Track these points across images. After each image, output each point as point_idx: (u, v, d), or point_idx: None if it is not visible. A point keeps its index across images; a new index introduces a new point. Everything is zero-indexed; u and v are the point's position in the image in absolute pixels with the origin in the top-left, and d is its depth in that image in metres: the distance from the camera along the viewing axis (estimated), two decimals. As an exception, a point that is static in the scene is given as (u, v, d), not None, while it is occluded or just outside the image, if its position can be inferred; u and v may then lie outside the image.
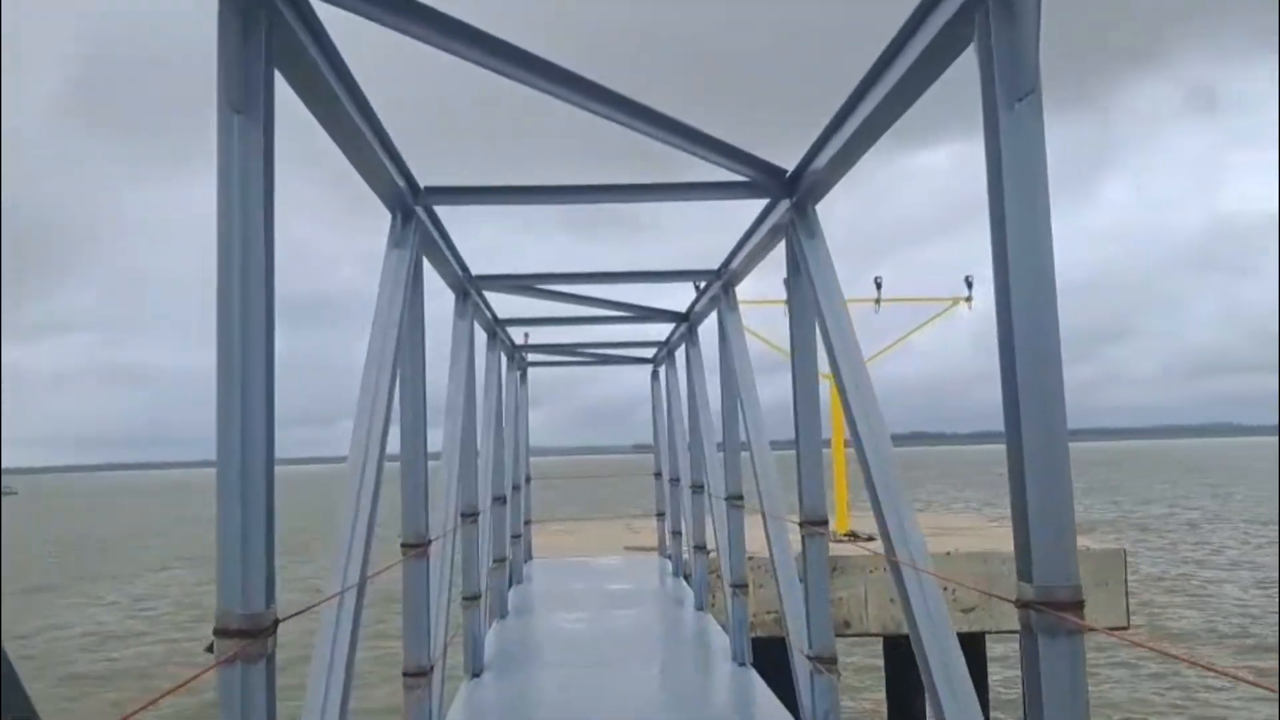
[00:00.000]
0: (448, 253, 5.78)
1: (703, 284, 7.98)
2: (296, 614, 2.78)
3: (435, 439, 6.35)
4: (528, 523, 13.49)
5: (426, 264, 6.05)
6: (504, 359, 10.42)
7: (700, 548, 9.71)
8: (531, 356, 13.08)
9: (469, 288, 6.92)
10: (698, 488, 9.60)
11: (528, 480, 13.61)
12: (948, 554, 12.54)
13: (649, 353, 12.81)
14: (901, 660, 13.40)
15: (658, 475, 13.66)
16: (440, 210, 5.39)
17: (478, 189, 4.90)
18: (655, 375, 13.43)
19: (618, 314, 8.84)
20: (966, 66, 2.84)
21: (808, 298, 4.63)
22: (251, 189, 2.59)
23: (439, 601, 5.47)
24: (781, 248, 5.45)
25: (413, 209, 4.70)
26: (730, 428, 7.38)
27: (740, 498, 7.38)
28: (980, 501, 55.97)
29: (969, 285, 16.38)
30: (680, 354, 10.03)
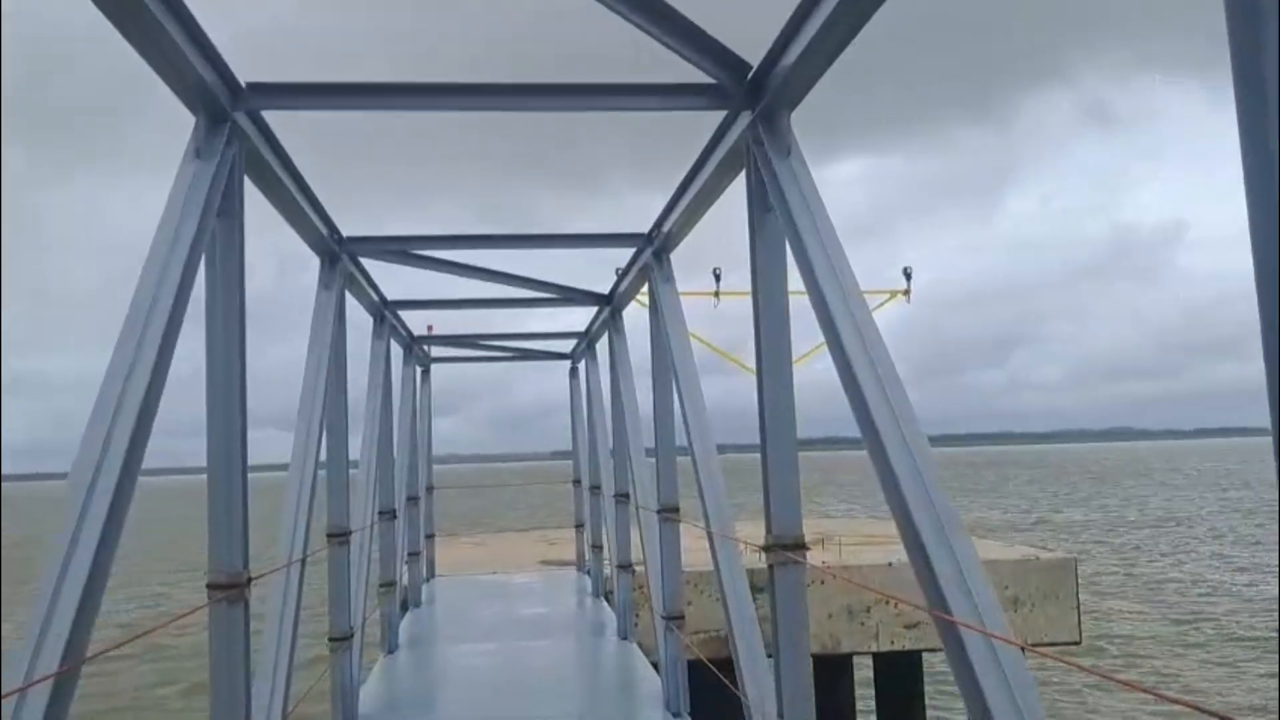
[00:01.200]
0: (297, 194, 4.35)
1: (628, 258, 6.68)
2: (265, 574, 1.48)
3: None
4: (430, 537, 12.01)
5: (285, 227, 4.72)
6: (396, 350, 8.96)
7: (625, 567, 8.37)
8: (436, 351, 11.59)
9: (337, 250, 5.48)
10: (622, 497, 8.31)
11: (429, 490, 12.10)
12: (889, 565, 11.81)
13: (567, 346, 11.48)
14: (830, 677, 12.43)
15: (576, 483, 12.30)
16: (300, 159, 4.05)
17: (326, 86, 3.51)
18: (574, 372, 12.02)
19: (530, 295, 7.49)
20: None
21: (779, 241, 3.38)
22: None
23: (275, 653, 4.06)
24: (729, 209, 4.25)
25: (226, 112, 3.31)
26: (664, 426, 6.11)
27: (676, 509, 6.10)
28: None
29: (907, 277, 15.45)
30: (603, 345, 8.72)
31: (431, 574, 12.18)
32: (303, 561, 4.33)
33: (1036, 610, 11.93)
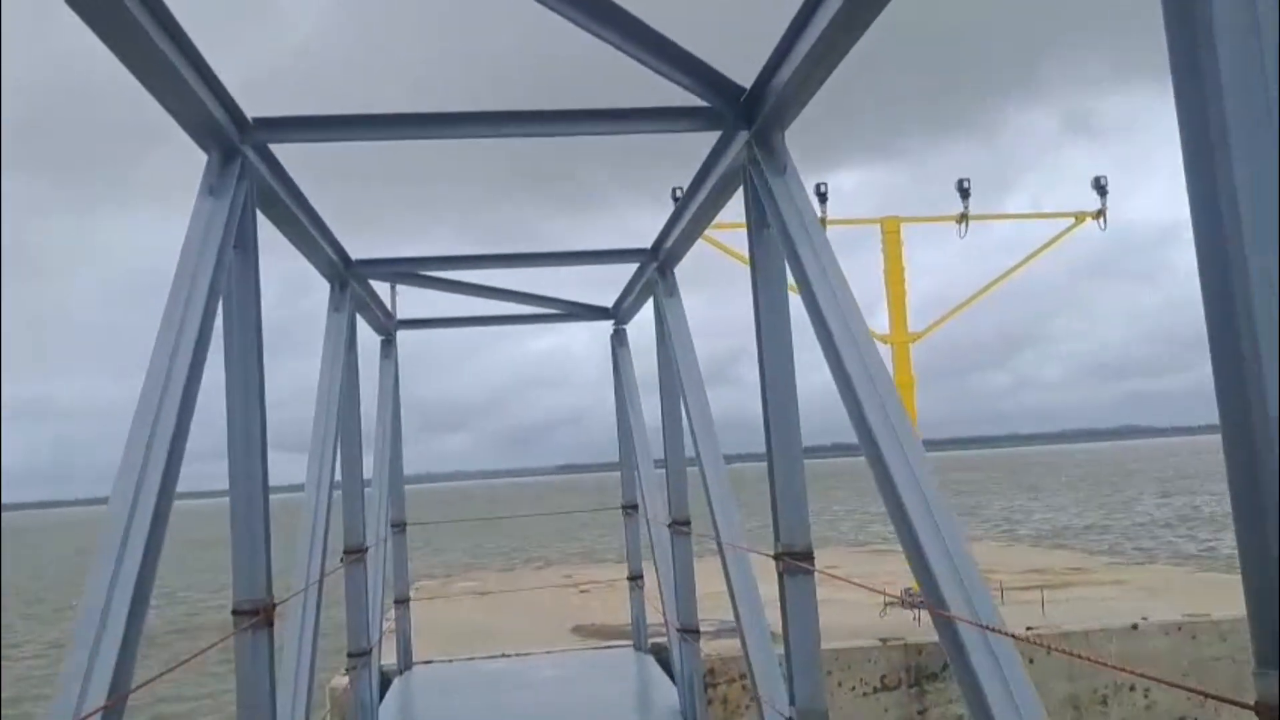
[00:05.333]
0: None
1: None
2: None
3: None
4: (402, 603, 7.91)
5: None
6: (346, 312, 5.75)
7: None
8: (406, 308, 7.69)
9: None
10: (803, 555, 4.12)
11: (400, 527, 7.87)
12: (1134, 627, 8.11)
13: (609, 297, 7.58)
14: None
15: (629, 510, 7.97)
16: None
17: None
18: (618, 336, 7.82)
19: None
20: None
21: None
22: None
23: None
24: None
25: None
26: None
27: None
28: (1003, 518, 42.58)
29: (1102, 192, 10.49)
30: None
31: (407, 663, 7.84)
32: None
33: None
